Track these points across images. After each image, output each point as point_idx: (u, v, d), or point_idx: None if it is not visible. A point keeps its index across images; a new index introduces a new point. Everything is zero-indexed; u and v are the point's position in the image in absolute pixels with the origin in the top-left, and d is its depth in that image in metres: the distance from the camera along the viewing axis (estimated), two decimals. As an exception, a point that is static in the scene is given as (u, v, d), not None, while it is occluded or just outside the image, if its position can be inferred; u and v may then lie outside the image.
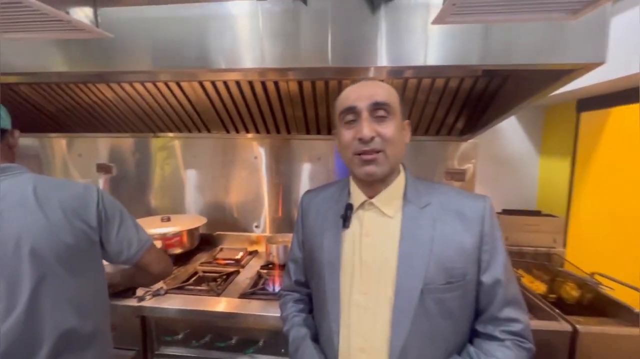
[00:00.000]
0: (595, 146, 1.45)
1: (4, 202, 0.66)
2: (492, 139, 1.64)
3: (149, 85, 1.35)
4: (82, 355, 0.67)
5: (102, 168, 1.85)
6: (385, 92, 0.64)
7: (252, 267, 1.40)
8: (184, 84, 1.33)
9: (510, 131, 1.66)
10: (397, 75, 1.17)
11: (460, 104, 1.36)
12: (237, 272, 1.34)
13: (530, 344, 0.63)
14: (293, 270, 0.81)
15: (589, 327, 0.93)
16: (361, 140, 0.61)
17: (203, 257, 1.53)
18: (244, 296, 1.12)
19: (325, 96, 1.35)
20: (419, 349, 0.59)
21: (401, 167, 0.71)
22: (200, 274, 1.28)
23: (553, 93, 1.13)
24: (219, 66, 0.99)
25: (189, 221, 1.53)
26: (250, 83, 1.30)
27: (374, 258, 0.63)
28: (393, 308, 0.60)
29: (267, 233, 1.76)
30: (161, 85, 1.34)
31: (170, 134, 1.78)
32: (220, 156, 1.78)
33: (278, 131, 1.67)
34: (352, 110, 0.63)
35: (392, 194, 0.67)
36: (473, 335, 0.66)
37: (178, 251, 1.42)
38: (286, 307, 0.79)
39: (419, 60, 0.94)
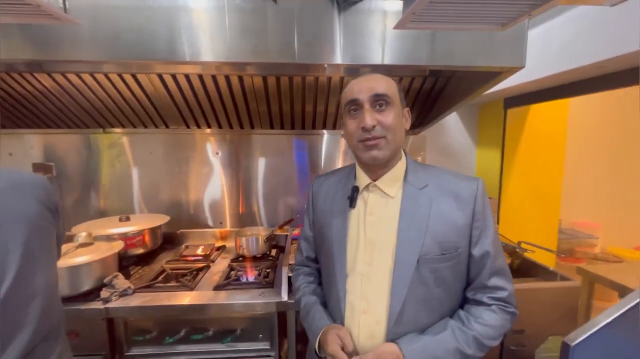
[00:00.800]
0: (519, 138, 1.72)
1: None
2: (438, 133, 1.85)
3: (100, 76, 1.26)
4: (54, 345, 0.65)
5: (40, 168, 1.66)
6: (384, 85, 0.69)
7: (222, 262, 1.40)
8: (140, 77, 1.27)
9: (452, 125, 1.88)
10: (355, 73, 1.26)
11: (412, 101, 1.51)
12: (207, 267, 1.33)
13: (514, 309, 0.71)
14: (304, 247, 0.89)
15: (517, 285, 1.14)
16: (364, 129, 0.68)
17: (168, 256, 1.48)
18: (218, 287, 1.13)
19: (290, 92, 1.40)
20: (415, 311, 0.67)
21: (402, 153, 0.77)
22: (169, 271, 1.25)
23: (485, 92, 1.33)
24: (183, 59, 0.98)
25: (151, 219, 1.47)
26: (214, 77, 1.29)
27: (377, 234, 0.71)
28: (392, 276, 0.68)
29: (229, 228, 1.76)
30: (114, 77, 1.26)
31: (122, 130, 1.67)
32: (179, 152, 1.72)
33: (241, 126, 1.68)
34: (355, 102, 0.69)
35: (394, 176, 0.73)
36: (464, 302, 0.74)
37: (140, 251, 1.36)
38: (298, 279, 0.88)
39: (377, 59, 1.05)
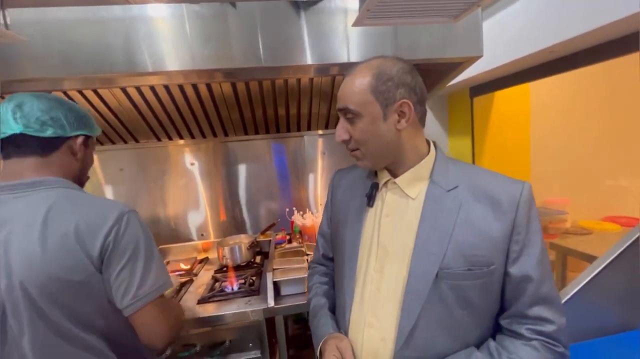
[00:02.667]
0: (487, 124, 1.79)
1: (13, 224, 0.56)
2: (410, 126, 1.89)
3: (58, 94, 1.20)
4: None
5: None
6: (348, 94, 0.60)
7: (206, 274, 1.37)
8: (102, 92, 1.23)
9: (423, 117, 1.93)
10: (325, 72, 1.27)
11: (382, 96, 1.54)
12: (190, 281, 1.29)
13: (563, 349, 0.57)
14: (321, 244, 0.84)
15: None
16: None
17: (148, 274, 1.43)
18: (202, 300, 1.10)
19: (260, 96, 1.40)
20: (429, 334, 0.57)
21: (432, 147, 0.66)
22: (149, 290, 1.20)
23: (451, 82, 1.38)
24: (145, 69, 0.96)
25: (126, 238, 1.41)
26: (181, 87, 1.27)
27: (392, 238, 0.63)
28: (405, 289, 0.59)
29: (213, 239, 1.72)
30: (74, 93, 1.21)
31: (89, 148, 1.60)
32: (152, 166, 1.67)
33: (215, 134, 1.65)
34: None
35: (417, 175, 0.64)
36: (497, 331, 0.62)
37: (118, 272, 1.30)
38: (312, 278, 0.83)
39: (343, 58, 1.07)
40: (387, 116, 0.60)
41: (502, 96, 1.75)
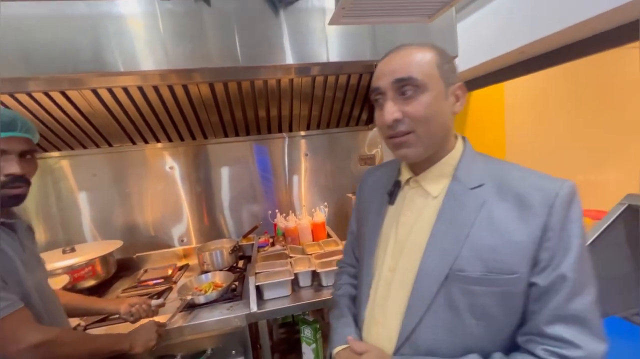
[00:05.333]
0: (464, 124, 1.84)
1: None
2: (391, 126, 1.91)
3: (22, 96, 1.14)
4: None
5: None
6: (409, 64, 0.54)
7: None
8: (71, 94, 1.17)
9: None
10: (304, 73, 1.26)
11: (362, 98, 1.55)
12: (170, 289, 1.25)
13: None
14: (351, 243, 0.83)
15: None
16: (386, 124, 0.56)
17: (125, 283, 1.37)
18: (182, 308, 1.06)
19: (240, 98, 1.37)
20: (434, 337, 0.54)
21: (460, 141, 0.62)
22: (125, 300, 1.15)
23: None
24: (115, 69, 0.92)
25: (100, 247, 1.35)
26: (156, 88, 1.23)
27: (407, 237, 0.61)
28: (412, 288, 0.56)
29: (194, 245, 1.67)
30: (40, 96, 1.14)
31: (59, 153, 1.52)
32: (128, 171, 1.60)
33: (193, 137, 1.61)
34: (377, 90, 0.57)
35: (440, 171, 0.60)
36: (515, 348, 0.54)
37: (91, 283, 1.24)
38: (342, 277, 0.82)
39: (322, 58, 1.07)
40: (447, 96, 0.56)
41: (478, 94, 1.80)
